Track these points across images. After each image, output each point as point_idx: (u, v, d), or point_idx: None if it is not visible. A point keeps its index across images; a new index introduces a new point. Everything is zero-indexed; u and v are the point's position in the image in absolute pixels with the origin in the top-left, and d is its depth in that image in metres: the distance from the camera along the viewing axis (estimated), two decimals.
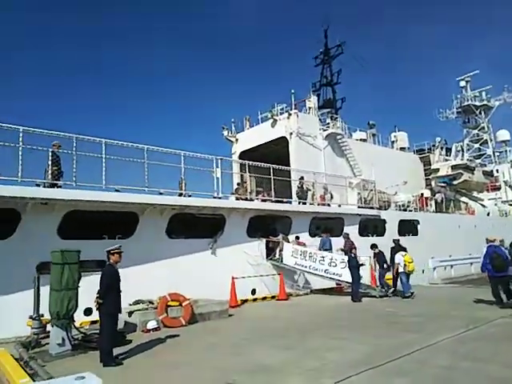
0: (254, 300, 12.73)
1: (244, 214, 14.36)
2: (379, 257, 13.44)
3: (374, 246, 13.87)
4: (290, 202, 16.96)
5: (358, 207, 18.87)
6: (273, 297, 13.07)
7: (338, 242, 15.59)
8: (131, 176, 11.29)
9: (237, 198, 14.78)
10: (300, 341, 7.19)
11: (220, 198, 13.33)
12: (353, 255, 12.03)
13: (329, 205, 18.20)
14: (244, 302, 12.38)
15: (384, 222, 19.75)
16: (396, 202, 21.95)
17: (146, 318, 8.66)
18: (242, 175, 21.13)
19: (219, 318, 9.57)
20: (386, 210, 20.66)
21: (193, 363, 6.14)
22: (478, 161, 41.23)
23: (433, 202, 24.70)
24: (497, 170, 40.72)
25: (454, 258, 22.24)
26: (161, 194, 11.79)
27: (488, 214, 29.24)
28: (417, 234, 21.50)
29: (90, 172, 10.51)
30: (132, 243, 11.49)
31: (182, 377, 5.58)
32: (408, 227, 21.08)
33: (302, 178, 18.31)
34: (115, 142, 11.01)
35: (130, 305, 9.22)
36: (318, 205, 17.48)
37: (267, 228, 16.06)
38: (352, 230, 18.05)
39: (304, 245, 14.82)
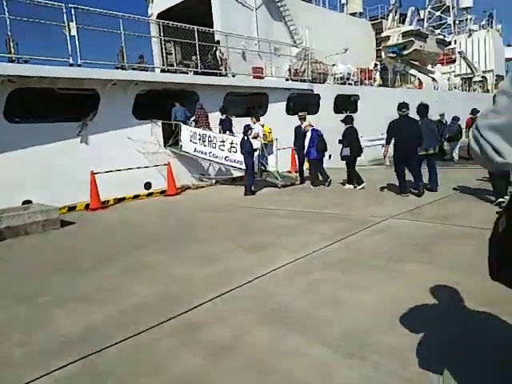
0: (135, 197, 10.29)
1: (127, 89, 11.03)
2: (224, 124, 11.76)
3: (222, 112, 12.31)
4: (205, 74, 13.42)
5: (286, 80, 15.81)
6: (164, 191, 10.68)
7: (260, 127, 12.69)
8: None
9: (116, 68, 11.22)
10: (78, 278, 4.52)
11: (80, 65, 9.77)
12: (246, 138, 9.40)
13: (263, 77, 15.05)
14: (121, 200, 9.93)
15: (318, 97, 17.01)
16: (334, 74, 18.86)
17: None
18: (163, 43, 16.97)
19: (43, 231, 7.06)
20: (322, 83, 17.75)
21: None
22: (438, 31, 37.75)
23: (378, 75, 21.85)
24: (454, 41, 37.98)
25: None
26: None
27: (436, 89, 27.07)
28: (356, 111, 19.13)
29: None
30: None
31: None
32: (346, 103, 18.45)
33: (217, 42, 14.64)
34: None
35: None
36: (234, 76, 14.25)
37: (167, 107, 12.99)
38: (279, 108, 15.44)
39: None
